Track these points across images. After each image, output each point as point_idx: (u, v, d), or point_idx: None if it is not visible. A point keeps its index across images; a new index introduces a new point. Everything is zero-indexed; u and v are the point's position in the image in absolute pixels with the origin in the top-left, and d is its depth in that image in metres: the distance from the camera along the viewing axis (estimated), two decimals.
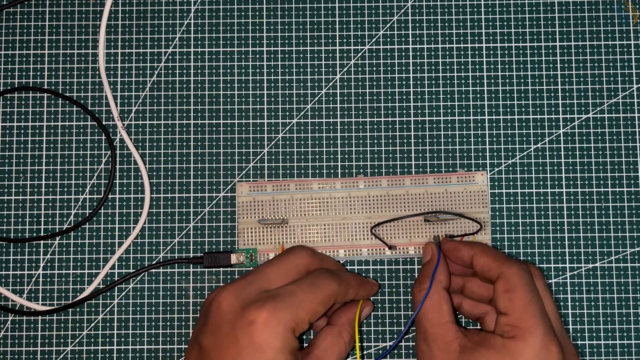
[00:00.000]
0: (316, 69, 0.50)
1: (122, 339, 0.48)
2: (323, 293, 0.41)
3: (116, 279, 0.49)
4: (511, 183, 0.49)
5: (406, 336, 0.48)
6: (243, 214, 0.48)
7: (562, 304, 0.48)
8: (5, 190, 0.49)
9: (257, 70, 0.50)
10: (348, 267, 0.49)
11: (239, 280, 0.41)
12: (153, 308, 0.48)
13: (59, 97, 0.50)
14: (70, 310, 0.48)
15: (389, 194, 0.48)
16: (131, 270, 0.49)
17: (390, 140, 0.49)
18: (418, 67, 0.50)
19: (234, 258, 0.48)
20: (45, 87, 0.50)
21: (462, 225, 0.48)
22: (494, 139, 0.49)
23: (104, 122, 0.50)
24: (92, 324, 0.48)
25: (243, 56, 0.50)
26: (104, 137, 0.50)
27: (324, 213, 0.48)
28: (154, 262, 0.49)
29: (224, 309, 0.39)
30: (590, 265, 0.48)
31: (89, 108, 0.50)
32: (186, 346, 0.48)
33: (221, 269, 0.49)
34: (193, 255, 0.49)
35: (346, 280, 0.43)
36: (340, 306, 0.45)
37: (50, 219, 0.49)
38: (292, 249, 0.43)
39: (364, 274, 0.48)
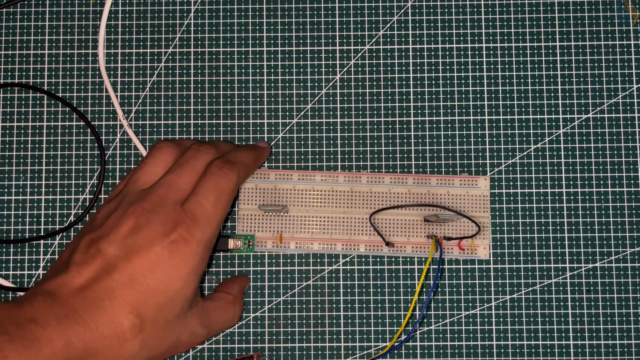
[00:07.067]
0: (316, 69, 0.50)
1: None
2: (227, 199, 0.42)
3: None
4: (511, 183, 0.49)
5: (405, 335, 0.48)
6: (244, 200, 0.48)
7: (562, 304, 0.48)
8: (5, 190, 0.49)
9: (257, 70, 0.50)
10: (347, 262, 0.48)
11: (116, 189, 0.44)
12: None
13: (52, 96, 0.50)
14: None
15: (390, 192, 0.48)
16: None
17: (390, 140, 0.49)
18: (418, 67, 0.50)
19: (231, 243, 0.48)
20: (46, 87, 0.50)
21: (460, 227, 0.48)
22: (494, 139, 0.49)
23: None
24: None
25: (243, 56, 0.50)
26: (104, 138, 0.50)
27: (324, 205, 0.48)
28: None
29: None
30: (590, 265, 0.48)
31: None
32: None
33: (221, 254, 0.49)
34: None
35: (241, 162, 0.44)
36: (232, 277, 0.48)
37: (50, 219, 0.49)
38: (156, 146, 0.44)
39: (363, 273, 0.48)
